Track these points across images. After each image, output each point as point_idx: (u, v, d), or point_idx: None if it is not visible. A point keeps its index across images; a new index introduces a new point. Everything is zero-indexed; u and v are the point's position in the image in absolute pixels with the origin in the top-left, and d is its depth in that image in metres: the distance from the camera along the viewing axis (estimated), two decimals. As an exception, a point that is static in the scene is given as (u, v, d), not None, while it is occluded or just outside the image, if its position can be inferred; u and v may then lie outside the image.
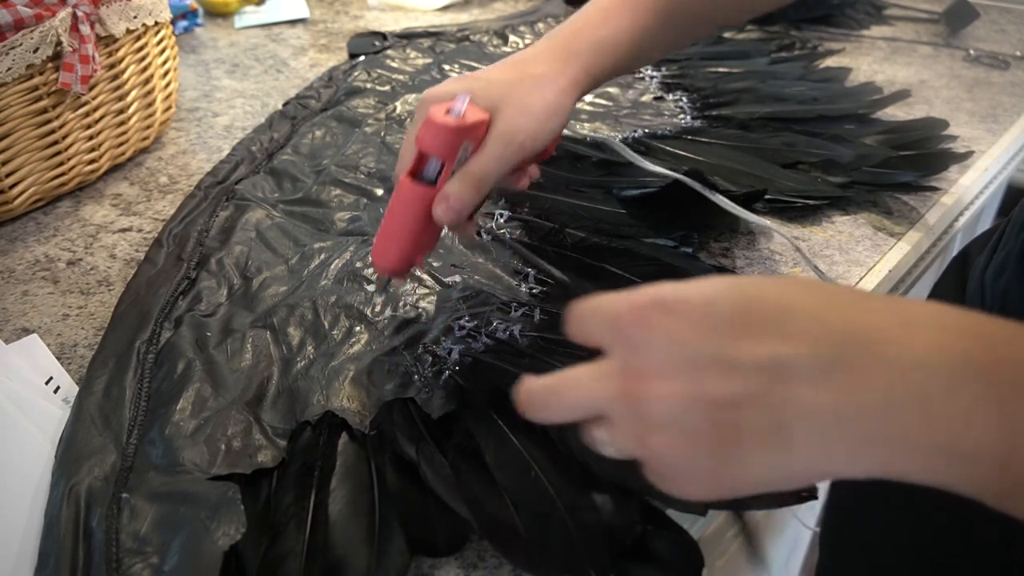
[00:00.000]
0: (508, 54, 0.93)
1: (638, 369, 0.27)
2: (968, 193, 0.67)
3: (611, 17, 0.50)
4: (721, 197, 0.56)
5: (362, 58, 0.90)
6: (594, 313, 0.29)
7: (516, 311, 0.50)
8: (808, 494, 0.37)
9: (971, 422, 0.23)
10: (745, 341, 0.25)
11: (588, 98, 0.80)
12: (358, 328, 0.49)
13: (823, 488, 0.67)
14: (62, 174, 0.63)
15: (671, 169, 0.61)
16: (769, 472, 0.25)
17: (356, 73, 0.85)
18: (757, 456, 0.25)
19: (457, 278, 0.53)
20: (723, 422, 0.25)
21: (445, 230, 0.47)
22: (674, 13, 0.51)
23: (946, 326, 0.24)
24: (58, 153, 0.62)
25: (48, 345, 0.49)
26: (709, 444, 0.25)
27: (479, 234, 0.57)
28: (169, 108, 0.75)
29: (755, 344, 0.25)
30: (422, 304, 0.51)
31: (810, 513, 1.02)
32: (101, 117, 0.65)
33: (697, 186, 0.56)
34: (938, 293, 0.62)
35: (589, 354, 0.45)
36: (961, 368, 0.23)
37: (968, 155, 0.69)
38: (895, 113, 0.77)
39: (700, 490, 0.27)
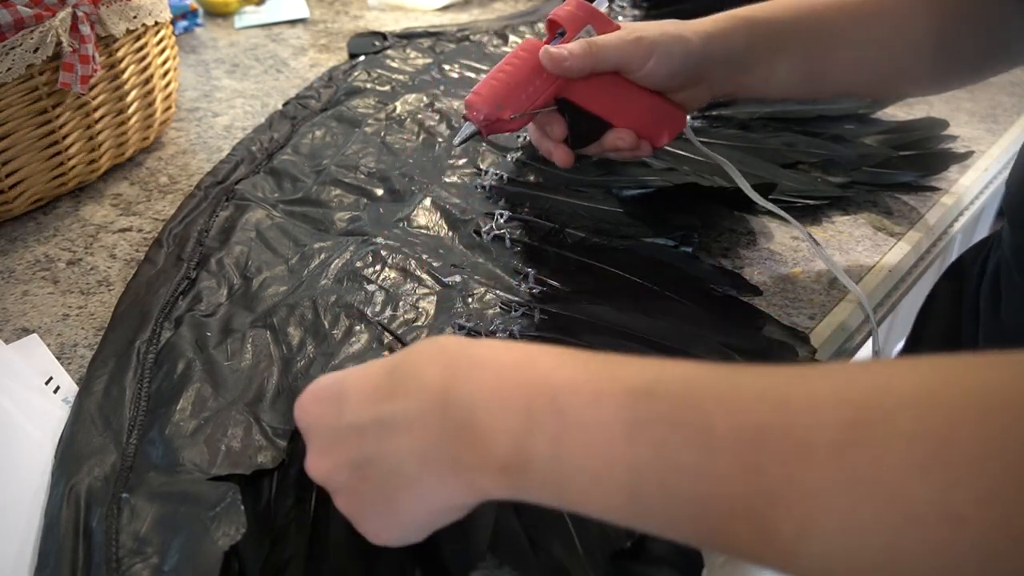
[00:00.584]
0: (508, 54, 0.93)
1: (309, 449, 0.32)
2: (968, 193, 0.67)
3: (756, 4, 0.51)
4: (755, 192, 0.56)
5: (362, 58, 0.90)
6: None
7: (516, 311, 0.50)
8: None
9: (520, 444, 0.26)
10: (364, 407, 0.30)
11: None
12: (358, 328, 0.49)
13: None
14: (62, 174, 0.63)
15: (667, 170, 0.62)
16: (418, 507, 0.29)
17: (356, 73, 0.85)
18: (401, 497, 0.29)
19: (457, 278, 0.53)
20: (365, 477, 0.30)
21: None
22: (802, 18, 0.50)
23: (503, 365, 0.28)
24: (58, 153, 0.62)
25: (48, 345, 0.49)
26: (364, 497, 0.30)
27: (479, 234, 0.57)
28: (169, 108, 0.75)
29: (370, 407, 0.30)
30: (422, 304, 0.51)
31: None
32: (101, 117, 0.65)
33: (741, 182, 0.55)
34: (934, 303, 0.62)
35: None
36: (503, 398, 0.27)
37: (968, 155, 0.69)
38: (895, 113, 0.77)
39: (385, 535, 0.31)
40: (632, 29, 0.48)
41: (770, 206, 0.56)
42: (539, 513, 0.36)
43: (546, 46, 0.47)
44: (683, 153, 0.67)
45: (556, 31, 0.50)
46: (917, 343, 0.65)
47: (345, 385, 0.32)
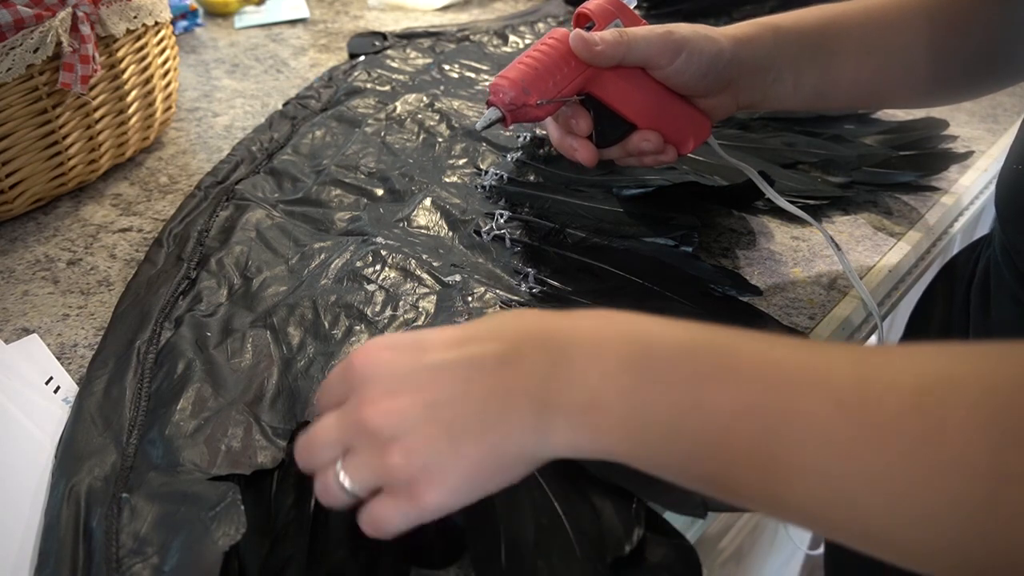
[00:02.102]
0: (508, 54, 0.93)
1: (368, 398, 0.31)
2: (968, 193, 0.67)
3: (777, 15, 0.51)
4: (780, 197, 0.55)
5: (362, 58, 0.90)
6: (326, 384, 0.34)
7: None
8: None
9: (605, 386, 0.28)
10: (441, 351, 0.31)
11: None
12: (358, 328, 0.49)
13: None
14: (62, 174, 0.63)
15: (668, 171, 0.61)
16: (486, 456, 0.30)
17: (356, 73, 0.85)
18: (471, 442, 0.29)
19: (457, 277, 0.53)
20: (438, 419, 0.29)
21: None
22: (827, 28, 0.51)
23: (600, 314, 0.31)
24: (58, 153, 0.62)
25: (48, 345, 0.49)
26: (432, 442, 0.29)
27: (479, 234, 0.57)
28: (169, 108, 0.75)
29: (458, 349, 0.30)
30: (422, 304, 0.51)
31: (805, 532, 1.02)
32: (101, 117, 0.65)
33: (762, 183, 0.55)
34: (927, 304, 0.62)
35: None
36: (604, 347, 0.29)
37: (968, 155, 0.69)
38: (895, 113, 0.77)
39: (439, 487, 0.30)
40: (662, 25, 0.48)
41: (793, 209, 0.56)
42: (538, 520, 0.36)
43: (577, 29, 0.47)
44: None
45: (585, 24, 0.50)
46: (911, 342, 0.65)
47: (423, 335, 0.32)
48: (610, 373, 0.29)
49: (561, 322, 0.31)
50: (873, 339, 0.55)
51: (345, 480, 0.31)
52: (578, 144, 0.50)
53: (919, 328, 0.65)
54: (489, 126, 0.48)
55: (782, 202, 0.55)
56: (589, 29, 0.49)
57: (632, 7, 0.50)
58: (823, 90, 0.52)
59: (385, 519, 0.31)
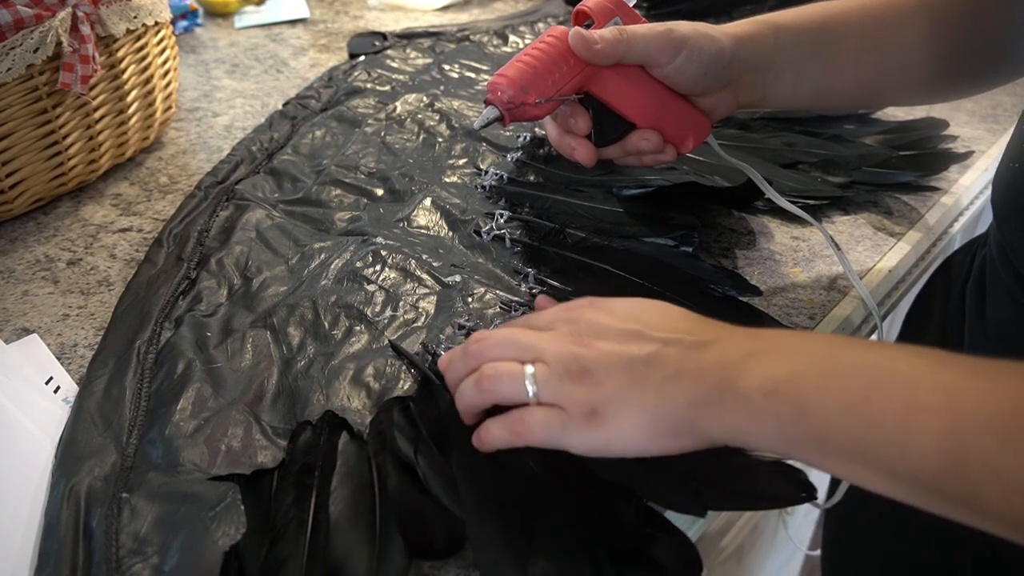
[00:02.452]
0: (508, 54, 0.93)
1: (581, 334, 0.37)
2: (968, 193, 0.67)
3: (776, 12, 0.51)
4: (780, 197, 0.55)
5: (362, 58, 0.90)
6: (532, 317, 0.41)
7: (516, 311, 0.50)
8: (807, 494, 0.37)
9: (791, 379, 0.32)
10: (652, 328, 0.37)
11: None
12: (358, 328, 0.49)
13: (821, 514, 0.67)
14: (62, 174, 0.63)
15: (668, 170, 0.61)
16: (669, 411, 0.34)
17: (356, 73, 0.85)
18: (656, 394, 0.34)
19: (457, 278, 0.53)
20: (636, 370, 0.35)
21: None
22: (827, 27, 0.50)
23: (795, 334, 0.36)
24: (58, 153, 0.62)
25: (48, 345, 0.49)
26: (629, 385, 0.35)
27: (479, 234, 0.57)
28: (169, 108, 0.75)
29: (658, 330, 0.36)
30: (422, 304, 0.51)
31: (805, 531, 1.02)
32: (101, 117, 0.65)
33: (762, 183, 0.55)
34: (923, 304, 0.62)
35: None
36: (799, 348, 0.34)
37: (968, 155, 0.69)
38: (895, 113, 0.77)
39: (619, 423, 0.35)
40: (662, 23, 0.48)
41: (793, 208, 0.55)
42: (538, 518, 0.36)
43: (577, 27, 0.46)
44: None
45: (584, 22, 0.49)
46: (907, 342, 0.65)
47: (641, 312, 0.38)
48: (798, 372, 0.32)
49: (737, 330, 0.37)
50: (873, 339, 0.55)
51: (531, 382, 0.36)
52: (576, 143, 0.50)
53: (915, 327, 0.65)
54: (487, 125, 0.47)
55: (783, 202, 0.55)
56: (588, 27, 0.48)
57: (632, 5, 0.49)
58: (824, 88, 0.52)
59: (539, 425, 0.36)
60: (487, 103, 0.48)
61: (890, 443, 0.29)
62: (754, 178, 0.55)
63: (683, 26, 0.47)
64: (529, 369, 0.37)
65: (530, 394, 0.36)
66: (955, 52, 0.51)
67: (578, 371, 0.36)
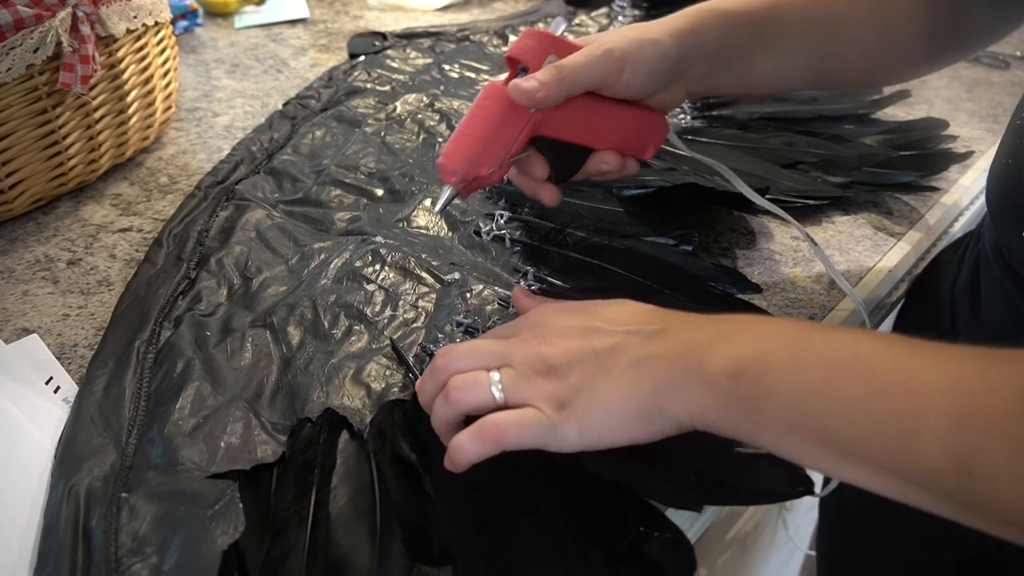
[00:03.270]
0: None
1: (541, 335, 0.38)
2: (968, 193, 0.67)
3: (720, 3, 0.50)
4: (753, 193, 0.55)
5: (362, 58, 0.90)
6: (498, 330, 0.42)
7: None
8: (804, 488, 0.37)
9: (753, 360, 0.33)
10: (613, 323, 0.38)
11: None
12: (358, 327, 0.49)
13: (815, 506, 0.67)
14: (62, 174, 0.63)
15: (668, 170, 0.61)
16: (638, 395, 0.35)
17: (356, 73, 0.85)
18: (622, 380, 0.35)
19: (456, 275, 0.53)
20: (601, 361, 0.36)
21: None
22: (779, 13, 0.50)
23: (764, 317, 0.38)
24: (58, 153, 0.62)
25: (48, 345, 0.49)
26: (596, 374, 0.36)
27: (479, 235, 0.57)
28: (169, 108, 0.75)
29: (618, 324, 0.37)
30: (421, 303, 0.51)
31: (805, 531, 1.02)
32: (101, 117, 0.65)
33: (741, 185, 0.55)
34: (912, 301, 0.62)
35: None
36: (761, 325, 0.35)
37: (968, 155, 0.69)
38: (895, 113, 0.77)
39: (591, 412, 0.35)
40: (597, 43, 0.45)
41: (768, 205, 0.55)
42: (532, 516, 0.36)
43: (514, 80, 0.43)
44: (683, 153, 0.67)
45: (517, 68, 0.45)
46: None
47: (597, 311, 0.39)
48: (764, 354, 0.33)
49: (695, 317, 0.37)
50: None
51: (497, 386, 0.37)
52: (539, 187, 0.49)
53: (906, 327, 0.64)
54: (447, 205, 0.45)
55: (756, 198, 0.54)
56: (523, 72, 0.45)
57: (561, 31, 0.46)
58: (774, 74, 0.51)
59: (511, 426, 0.35)
60: (441, 182, 0.46)
61: (850, 424, 0.30)
62: (726, 175, 0.54)
63: (620, 41, 0.45)
64: (495, 375, 0.37)
65: (498, 398, 0.36)
66: (905, 32, 0.51)
67: (544, 369, 0.36)
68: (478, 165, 0.43)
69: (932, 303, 0.59)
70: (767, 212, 0.59)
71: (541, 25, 1.03)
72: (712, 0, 0.50)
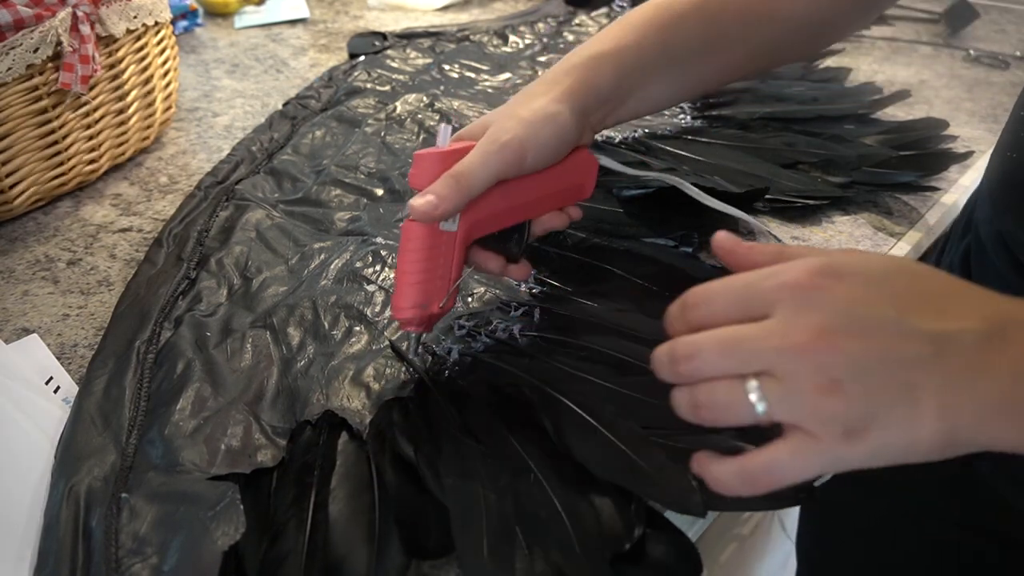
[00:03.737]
0: (508, 54, 0.93)
1: (817, 326, 0.28)
2: (968, 193, 0.67)
3: (606, 37, 0.49)
4: (711, 198, 0.55)
5: (362, 58, 0.90)
6: (747, 284, 0.31)
7: (516, 311, 0.50)
8: (806, 495, 0.37)
9: None
10: (919, 314, 0.29)
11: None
12: (358, 328, 0.49)
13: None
14: (62, 174, 0.63)
15: (666, 171, 0.61)
16: (949, 427, 0.28)
17: (356, 73, 0.85)
18: (935, 408, 0.28)
19: (457, 278, 0.53)
20: (905, 377, 0.28)
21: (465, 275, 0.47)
22: (668, 39, 0.50)
23: None
24: (58, 153, 0.62)
25: (48, 345, 0.49)
26: (899, 396, 0.28)
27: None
28: (169, 108, 0.75)
29: (928, 318, 0.28)
30: (422, 304, 0.51)
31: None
32: (101, 117, 0.65)
33: (690, 189, 0.55)
34: None
35: (589, 355, 0.44)
36: None
37: (968, 155, 0.69)
38: (895, 113, 0.77)
39: (893, 441, 0.28)
40: (491, 136, 0.43)
41: (722, 206, 0.55)
42: (538, 517, 0.36)
43: (411, 200, 0.41)
44: (683, 153, 0.67)
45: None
46: None
47: (888, 278, 0.30)
48: None
49: (1018, 308, 0.29)
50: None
51: (760, 403, 0.29)
52: (504, 270, 0.48)
53: None
54: (419, 346, 0.46)
55: (710, 200, 0.54)
56: None
57: (448, 140, 0.43)
58: (675, 95, 0.52)
59: (788, 471, 0.29)
60: (403, 329, 0.46)
61: None
62: (679, 185, 0.54)
63: (513, 129, 0.43)
64: (754, 394, 0.29)
65: (760, 417, 0.29)
66: (794, 21, 0.52)
67: (825, 383, 0.28)
68: (426, 305, 0.43)
69: None
70: (766, 212, 0.59)
71: (541, 26, 1.03)
72: (604, 40, 0.49)
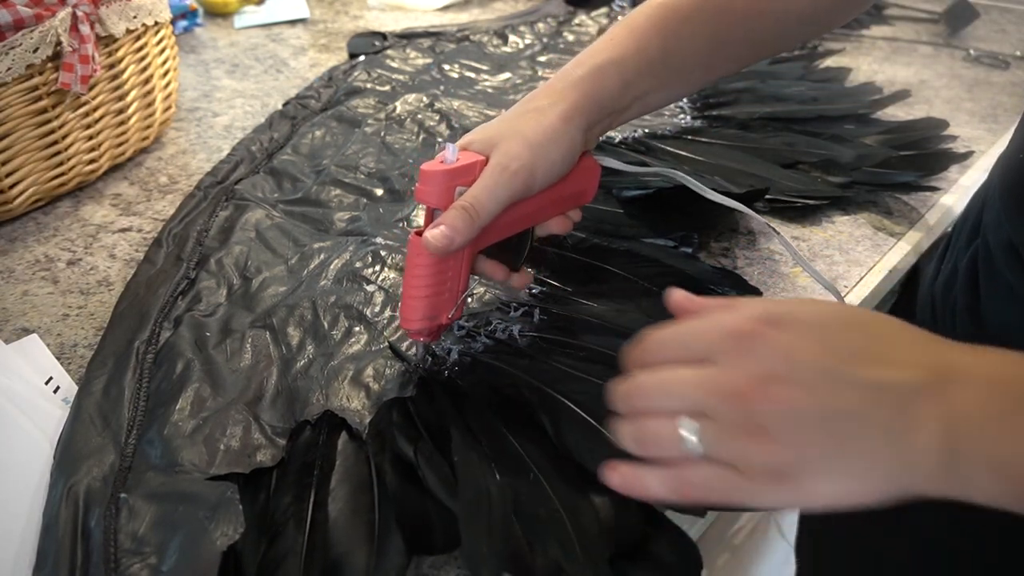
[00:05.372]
0: (508, 54, 0.93)
1: (754, 375, 0.29)
2: (968, 193, 0.67)
3: (610, 44, 0.49)
4: (713, 192, 0.55)
5: (362, 58, 0.90)
6: (692, 330, 0.32)
7: (516, 311, 0.50)
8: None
9: (1007, 433, 0.26)
10: (856, 363, 0.29)
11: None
12: (357, 328, 0.49)
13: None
14: (62, 174, 0.63)
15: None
16: (882, 479, 0.28)
17: (356, 73, 0.85)
18: (868, 463, 0.28)
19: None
20: (834, 430, 0.28)
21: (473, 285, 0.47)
22: (671, 43, 0.50)
23: (1005, 360, 0.29)
24: (58, 153, 0.62)
25: (48, 345, 0.49)
26: (834, 451, 0.28)
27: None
28: (169, 108, 0.75)
29: (865, 367, 0.28)
30: (421, 304, 0.51)
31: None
32: (101, 117, 0.65)
33: (693, 183, 0.55)
34: (896, 312, 0.62)
35: (588, 355, 0.44)
36: (1007, 389, 0.27)
37: (968, 155, 0.69)
38: (895, 113, 0.77)
39: (826, 491, 0.28)
40: (497, 161, 0.42)
41: (728, 201, 0.54)
42: (538, 516, 0.36)
43: (425, 234, 0.41)
44: (683, 153, 0.67)
45: (432, 212, 0.44)
46: None
47: (826, 330, 0.30)
48: (1007, 414, 0.27)
49: (964, 357, 0.29)
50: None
51: (691, 438, 0.30)
52: (507, 279, 0.48)
53: None
54: (427, 353, 0.47)
55: (712, 194, 0.54)
56: (439, 214, 0.43)
57: (454, 158, 0.43)
58: (678, 95, 0.53)
59: (710, 491, 0.30)
60: (412, 340, 0.47)
61: None
62: (685, 181, 0.54)
63: (519, 153, 0.42)
64: (689, 434, 0.30)
65: (698, 453, 0.30)
66: (790, 18, 0.52)
67: (754, 428, 0.29)
68: (436, 317, 0.44)
69: (910, 316, 0.59)
70: (766, 212, 0.59)
71: (541, 26, 1.03)
72: (608, 48, 0.49)
